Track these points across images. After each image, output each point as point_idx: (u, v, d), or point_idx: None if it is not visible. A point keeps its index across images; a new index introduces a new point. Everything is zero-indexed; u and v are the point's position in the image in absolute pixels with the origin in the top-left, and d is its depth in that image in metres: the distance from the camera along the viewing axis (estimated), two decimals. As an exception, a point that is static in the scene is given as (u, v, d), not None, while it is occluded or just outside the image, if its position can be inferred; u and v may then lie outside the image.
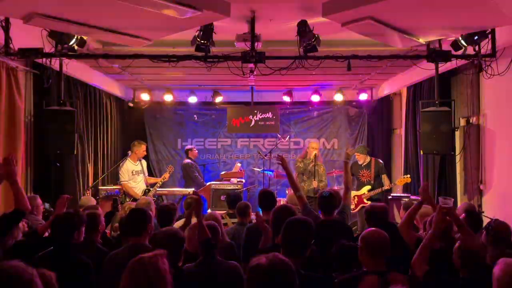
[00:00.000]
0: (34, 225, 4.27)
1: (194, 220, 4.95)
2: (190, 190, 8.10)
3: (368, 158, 7.84)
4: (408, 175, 7.52)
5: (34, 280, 1.78)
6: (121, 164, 7.62)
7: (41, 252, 3.30)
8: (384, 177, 7.82)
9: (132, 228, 3.42)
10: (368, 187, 7.59)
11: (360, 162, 7.83)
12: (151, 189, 7.61)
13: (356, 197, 7.68)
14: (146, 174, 7.94)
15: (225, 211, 5.99)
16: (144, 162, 7.94)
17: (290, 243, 2.71)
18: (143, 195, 7.35)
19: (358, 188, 7.78)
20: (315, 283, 2.61)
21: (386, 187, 7.58)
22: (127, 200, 7.26)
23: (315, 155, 7.59)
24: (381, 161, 8.06)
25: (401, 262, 3.07)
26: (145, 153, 7.85)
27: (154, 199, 6.95)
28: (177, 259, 3.08)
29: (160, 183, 7.69)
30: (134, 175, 7.59)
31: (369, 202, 7.26)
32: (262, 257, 1.90)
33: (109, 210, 5.68)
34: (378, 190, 7.52)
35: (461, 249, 2.97)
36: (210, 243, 3.19)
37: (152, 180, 8.00)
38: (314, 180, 7.47)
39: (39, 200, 4.67)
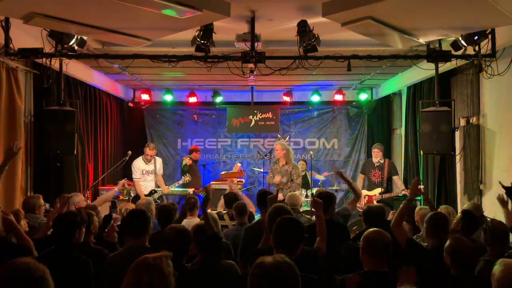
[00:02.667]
0: (34, 223, 4.27)
1: (190, 220, 4.97)
2: (190, 190, 8.11)
3: (383, 159, 7.74)
4: (422, 186, 6.96)
5: (45, 277, 1.78)
6: (134, 161, 7.68)
7: (42, 251, 3.30)
8: (397, 179, 7.67)
9: (132, 229, 3.40)
10: (380, 189, 7.44)
11: (375, 161, 7.73)
12: (157, 190, 7.61)
13: (367, 196, 7.58)
14: (161, 173, 7.90)
15: (225, 212, 5.97)
16: (159, 161, 7.90)
17: (281, 242, 2.73)
18: (148, 195, 7.38)
19: (369, 188, 7.68)
20: (307, 283, 2.62)
21: (402, 192, 7.24)
22: (132, 195, 7.32)
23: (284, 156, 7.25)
24: (393, 162, 8.04)
25: (393, 261, 3.06)
26: (148, 156, 7.74)
27: (157, 202, 6.96)
28: (183, 256, 3.08)
29: (160, 193, 7.67)
30: (144, 174, 7.63)
31: (379, 205, 7.19)
32: (267, 257, 1.91)
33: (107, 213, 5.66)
34: (390, 195, 7.34)
35: (451, 247, 2.98)
36: (217, 236, 3.19)
37: (161, 183, 7.91)
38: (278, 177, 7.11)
39: (41, 200, 4.67)
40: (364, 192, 7.73)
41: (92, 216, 4.00)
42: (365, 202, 7.50)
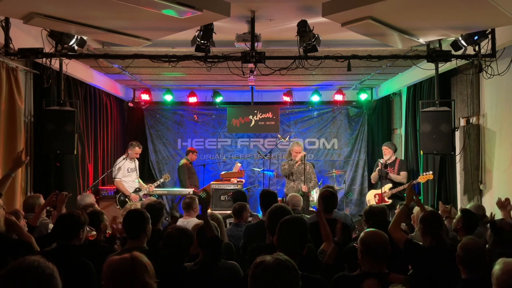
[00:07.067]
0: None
1: (186, 220, 4.97)
2: (190, 190, 8.11)
3: (394, 157, 7.75)
4: (430, 172, 7.04)
5: (55, 275, 1.80)
6: (118, 161, 7.68)
7: (44, 249, 3.30)
8: (402, 175, 7.64)
9: (130, 230, 3.39)
10: (390, 185, 7.49)
11: (385, 158, 7.71)
12: (141, 188, 7.61)
13: (377, 195, 7.61)
14: (138, 173, 7.97)
15: (229, 212, 5.97)
16: (137, 161, 7.95)
17: (286, 242, 2.72)
18: (133, 193, 7.41)
19: (377, 186, 7.72)
20: (312, 283, 2.62)
21: (406, 184, 7.31)
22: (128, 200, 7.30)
23: (304, 156, 7.48)
24: (404, 161, 8.02)
25: (393, 262, 3.06)
26: (137, 155, 7.83)
27: (142, 200, 7.00)
28: (185, 257, 3.08)
29: (146, 191, 7.66)
30: (129, 172, 7.63)
31: (390, 201, 7.27)
32: (267, 256, 1.92)
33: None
34: (399, 188, 7.35)
35: (462, 249, 2.95)
36: (218, 240, 3.19)
37: (141, 182, 7.96)
38: (304, 184, 7.37)
39: (42, 200, 4.67)
40: (374, 191, 7.73)
41: (101, 214, 4.00)
42: (377, 201, 7.51)
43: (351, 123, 10.46)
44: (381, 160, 7.72)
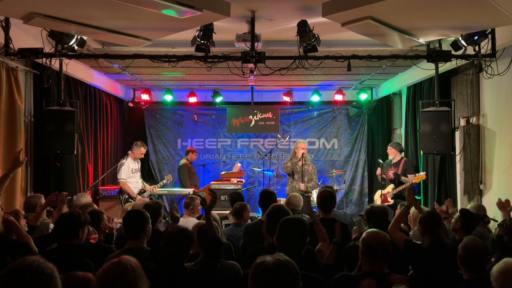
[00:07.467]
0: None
1: (185, 220, 4.97)
2: (190, 190, 8.12)
3: (399, 157, 7.68)
4: (424, 172, 7.09)
5: (55, 275, 1.80)
6: (122, 161, 7.66)
7: (44, 249, 3.29)
8: (410, 177, 7.43)
9: (129, 230, 3.39)
10: (392, 185, 7.47)
11: (390, 157, 7.71)
12: (145, 190, 7.62)
13: (382, 195, 7.61)
14: (140, 174, 7.96)
15: (228, 211, 5.97)
16: (139, 162, 7.94)
17: (286, 242, 2.72)
18: (138, 194, 7.42)
19: (385, 186, 7.70)
20: (311, 282, 2.62)
21: (407, 184, 7.13)
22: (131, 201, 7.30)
23: (302, 154, 7.54)
24: (411, 161, 7.89)
25: (393, 263, 3.06)
26: (142, 155, 7.83)
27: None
28: (185, 257, 3.08)
29: (150, 192, 7.66)
30: (133, 173, 7.62)
31: (392, 201, 7.27)
32: (267, 256, 1.92)
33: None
34: (400, 188, 7.29)
35: (464, 250, 2.95)
36: (218, 242, 3.19)
37: (143, 185, 7.96)
38: (302, 183, 7.37)
39: (43, 200, 4.67)
40: (381, 191, 7.75)
41: (101, 214, 4.00)
42: (381, 201, 7.51)
43: (351, 123, 10.46)
44: (381, 161, 7.71)
